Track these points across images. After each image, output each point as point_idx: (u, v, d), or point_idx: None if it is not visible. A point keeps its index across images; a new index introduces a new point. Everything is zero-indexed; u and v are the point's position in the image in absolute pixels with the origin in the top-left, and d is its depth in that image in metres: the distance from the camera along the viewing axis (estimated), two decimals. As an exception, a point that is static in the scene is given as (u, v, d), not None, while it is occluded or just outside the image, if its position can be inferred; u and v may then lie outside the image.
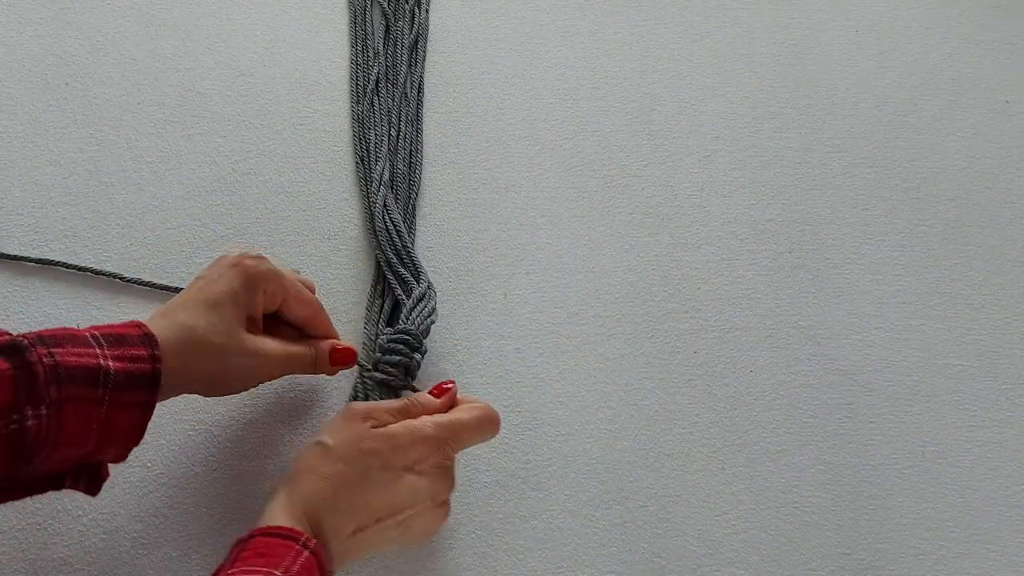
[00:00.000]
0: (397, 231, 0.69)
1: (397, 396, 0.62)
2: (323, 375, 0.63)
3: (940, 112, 0.85)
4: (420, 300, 0.65)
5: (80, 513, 0.58)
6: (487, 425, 0.57)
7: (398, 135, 0.76)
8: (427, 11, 0.83)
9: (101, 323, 0.51)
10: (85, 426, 0.47)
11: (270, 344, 0.57)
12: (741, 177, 0.79)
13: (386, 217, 0.70)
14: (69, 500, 0.58)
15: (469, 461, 0.63)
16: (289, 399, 0.64)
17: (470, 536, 0.61)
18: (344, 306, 0.68)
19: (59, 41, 0.76)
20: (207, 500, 0.60)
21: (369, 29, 0.81)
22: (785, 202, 0.78)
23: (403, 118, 0.77)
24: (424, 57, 0.81)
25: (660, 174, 0.78)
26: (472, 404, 0.57)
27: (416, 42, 0.81)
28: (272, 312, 0.59)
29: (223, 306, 0.55)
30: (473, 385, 0.66)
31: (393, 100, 0.77)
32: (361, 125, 0.76)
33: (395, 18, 0.82)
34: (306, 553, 0.47)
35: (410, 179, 0.74)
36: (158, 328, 0.52)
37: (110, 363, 0.48)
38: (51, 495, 0.57)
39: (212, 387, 0.56)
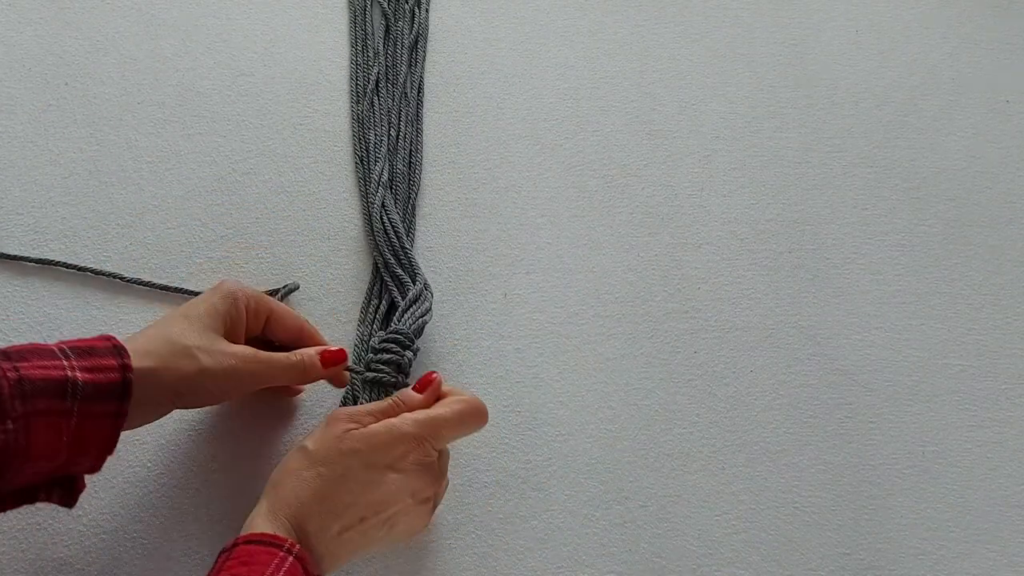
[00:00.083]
0: (395, 232, 0.69)
1: (389, 395, 0.62)
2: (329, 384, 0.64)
3: (940, 112, 0.85)
4: (414, 302, 0.65)
5: (80, 513, 0.58)
6: (470, 418, 0.56)
7: (398, 135, 0.76)
8: (427, 11, 0.83)
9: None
10: (55, 439, 0.46)
11: (250, 350, 0.56)
12: (741, 177, 0.79)
13: (384, 218, 0.70)
14: (69, 500, 0.58)
15: (469, 461, 0.63)
16: (288, 400, 0.64)
17: (470, 536, 0.61)
18: (344, 306, 0.68)
19: (59, 41, 0.76)
20: (207, 500, 0.60)
21: (369, 29, 0.81)
22: (785, 202, 0.78)
23: (403, 118, 0.77)
24: (424, 57, 0.81)
25: (660, 174, 0.78)
26: (455, 398, 0.57)
27: (416, 42, 0.81)
28: (258, 336, 0.60)
29: (200, 316, 0.55)
30: (473, 385, 0.66)
31: (393, 100, 0.77)
32: (361, 125, 0.76)
33: (395, 18, 0.82)
34: (290, 559, 0.47)
35: (410, 179, 0.74)
36: (130, 340, 0.52)
37: (78, 374, 0.47)
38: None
39: (192, 391, 0.54)
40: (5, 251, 0.66)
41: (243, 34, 0.80)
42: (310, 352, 0.59)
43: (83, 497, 0.52)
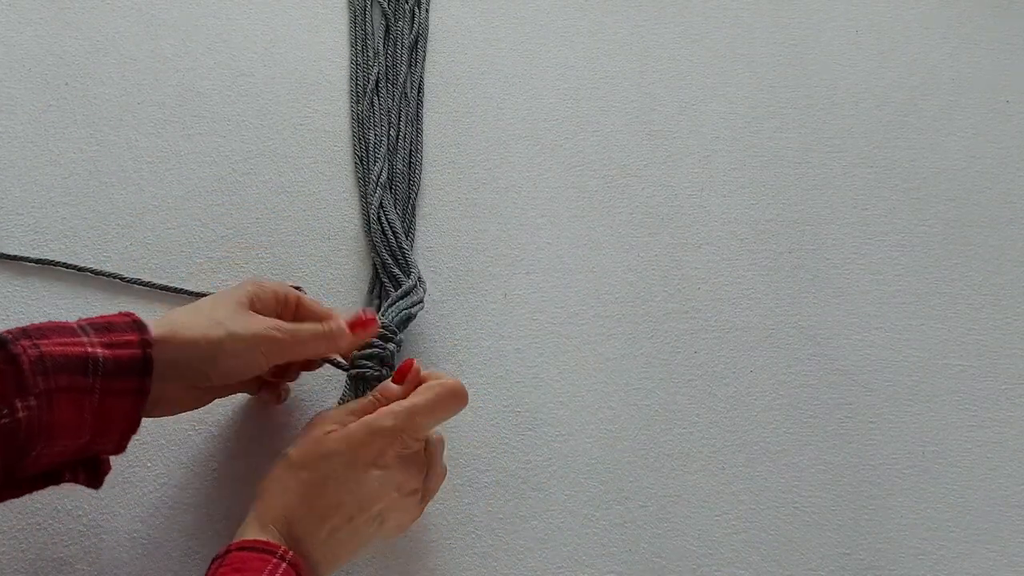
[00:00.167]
0: (393, 233, 0.69)
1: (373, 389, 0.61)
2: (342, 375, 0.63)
3: (940, 112, 0.85)
4: (403, 296, 0.65)
5: (80, 513, 0.58)
6: (448, 402, 0.55)
7: (398, 135, 0.76)
8: (427, 11, 0.83)
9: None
10: (78, 416, 0.46)
11: (276, 320, 0.54)
12: (741, 177, 0.79)
13: (382, 219, 0.70)
14: (69, 500, 0.58)
15: (469, 461, 0.63)
16: (288, 401, 0.64)
17: (470, 536, 0.61)
18: (344, 306, 0.68)
19: (59, 41, 0.76)
20: (207, 500, 0.60)
21: (369, 29, 0.81)
22: (785, 202, 0.78)
23: (403, 118, 0.77)
24: (424, 57, 0.81)
25: (660, 174, 0.78)
26: (431, 383, 0.55)
27: (416, 42, 0.81)
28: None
29: (226, 294, 0.55)
30: (473, 385, 0.66)
31: (393, 100, 0.77)
32: (361, 125, 0.76)
33: (395, 18, 0.82)
34: (284, 566, 0.47)
35: (410, 179, 0.74)
36: (157, 319, 0.51)
37: (99, 351, 0.47)
38: (52, 495, 0.57)
39: (222, 361, 0.52)
40: (5, 251, 0.66)
41: (243, 34, 0.80)
42: (339, 321, 0.57)
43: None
